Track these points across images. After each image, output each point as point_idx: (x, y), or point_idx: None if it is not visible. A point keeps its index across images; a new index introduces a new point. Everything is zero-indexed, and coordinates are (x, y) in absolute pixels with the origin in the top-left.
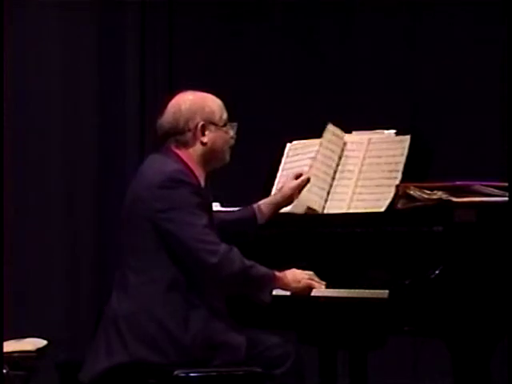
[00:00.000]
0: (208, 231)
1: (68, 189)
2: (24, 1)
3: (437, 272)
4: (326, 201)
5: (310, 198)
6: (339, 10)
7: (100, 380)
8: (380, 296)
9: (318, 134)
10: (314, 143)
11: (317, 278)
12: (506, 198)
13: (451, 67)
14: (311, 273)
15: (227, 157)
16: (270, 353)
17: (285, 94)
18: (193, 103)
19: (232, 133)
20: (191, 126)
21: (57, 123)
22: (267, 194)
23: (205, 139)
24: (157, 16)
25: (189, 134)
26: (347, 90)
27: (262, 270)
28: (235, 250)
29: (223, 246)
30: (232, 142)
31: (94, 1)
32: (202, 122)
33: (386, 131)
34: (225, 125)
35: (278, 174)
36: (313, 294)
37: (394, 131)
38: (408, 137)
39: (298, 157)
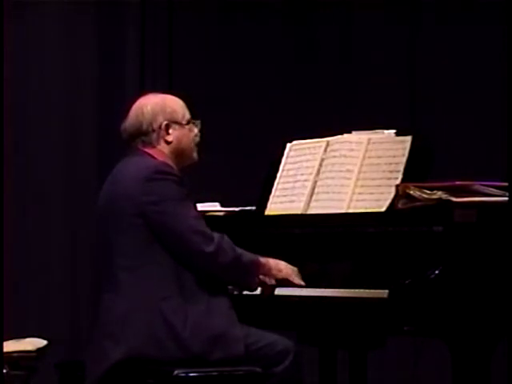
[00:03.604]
0: (200, 221)
1: (68, 189)
2: (24, 1)
3: (436, 272)
4: (311, 201)
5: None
6: (339, 9)
7: (101, 381)
8: (380, 296)
9: (318, 134)
10: (313, 143)
11: (298, 275)
12: (506, 198)
13: (451, 67)
14: (295, 268)
15: (195, 155)
16: (270, 350)
17: (285, 94)
18: (154, 105)
19: (196, 130)
20: (155, 126)
21: (57, 123)
22: (267, 194)
23: (170, 138)
24: (157, 16)
25: (153, 135)
26: (347, 90)
27: (250, 256)
28: (226, 237)
29: (216, 235)
30: (197, 139)
31: (94, 1)
32: (165, 122)
33: (386, 131)
34: (188, 123)
35: (278, 174)
36: (312, 293)
37: (393, 131)
38: (409, 137)
39: (298, 158)
